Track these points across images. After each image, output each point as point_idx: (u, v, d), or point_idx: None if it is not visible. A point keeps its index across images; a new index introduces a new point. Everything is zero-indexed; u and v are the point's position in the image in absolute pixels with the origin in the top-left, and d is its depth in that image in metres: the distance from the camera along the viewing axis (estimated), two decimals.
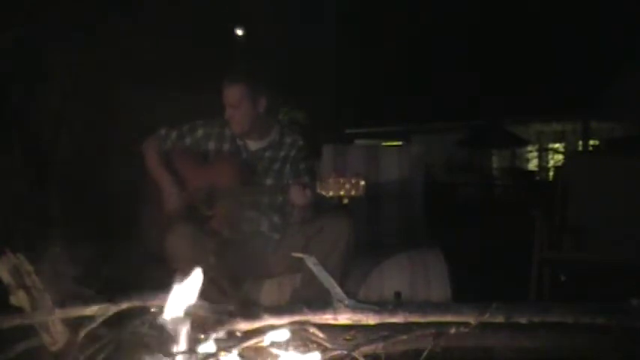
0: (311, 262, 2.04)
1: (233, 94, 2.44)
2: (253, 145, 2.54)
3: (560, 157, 15.40)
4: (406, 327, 1.90)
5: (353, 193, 2.17)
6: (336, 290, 1.95)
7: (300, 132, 2.64)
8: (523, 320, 1.90)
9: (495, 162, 16.93)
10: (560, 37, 13.06)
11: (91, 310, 1.78)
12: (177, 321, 1.75)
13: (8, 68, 3.25)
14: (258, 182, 2.48)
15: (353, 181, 2.17)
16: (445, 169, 14.18)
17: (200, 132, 2.54)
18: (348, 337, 1.92)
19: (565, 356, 1.95)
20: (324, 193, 2.20)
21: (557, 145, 16.55)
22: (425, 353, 1.83)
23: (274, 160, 2.53)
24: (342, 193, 2.18)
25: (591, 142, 14.93)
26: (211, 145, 2.53)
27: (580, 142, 15.41)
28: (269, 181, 2.50)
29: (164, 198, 2.47)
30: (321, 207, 2.39)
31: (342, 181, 2.18)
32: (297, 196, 2.28)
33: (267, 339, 1.82)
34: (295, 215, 2.47)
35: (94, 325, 1.77)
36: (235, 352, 1.76)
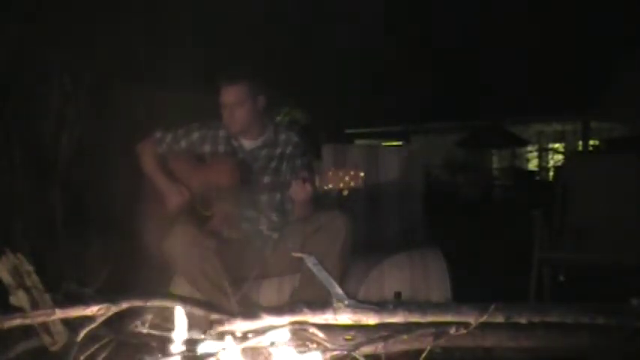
0: (311, 262, 2.04)
1: (232, 93, 2.43)
2: (249, 144, 2.54)
3: (560, 157, 15.39)
4: (406, 327, 1.90)
5: (352, 184, 2.17)
6: (336, 290, 1.95)
7: (300, 131, 2.63)
8: (523, 320, 1.90)
9: (495, 162, 16.91)
10: (560, 37, 13.05)
11: (91, 310, 1.78)
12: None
13: (8, 68, 3.24)
14: (256, 181, 2.48)
15: (352, 173, 2.17)
16: (445, 169, 14.16)
17: (196, 135, 2.54)
18: (348, 337, 1.92)
19: (565, 356, 1.95)
20: (323, 186, 2.20)
21: (557, 145, 16.54)
22: (425, 353, 1.84)
23: (271, 158, 2.53)
24: (341, 185, 2.17)
25: (591, 142, 14.91)
26: (207, 148, 2.53)
27: (580, 142, 15.40)
28: (267, 180, 2.49)
29: (162, 198, 2.47)
30: (321, 203, 2.39)
31: (340, 173, 2.18)
32: (297, 191, 2.28)
33: (267, 339, 1.82)
34: (296, 212, 2.47)
35: (94, 325, 1.77)
36: (235, 352, 1.76)
